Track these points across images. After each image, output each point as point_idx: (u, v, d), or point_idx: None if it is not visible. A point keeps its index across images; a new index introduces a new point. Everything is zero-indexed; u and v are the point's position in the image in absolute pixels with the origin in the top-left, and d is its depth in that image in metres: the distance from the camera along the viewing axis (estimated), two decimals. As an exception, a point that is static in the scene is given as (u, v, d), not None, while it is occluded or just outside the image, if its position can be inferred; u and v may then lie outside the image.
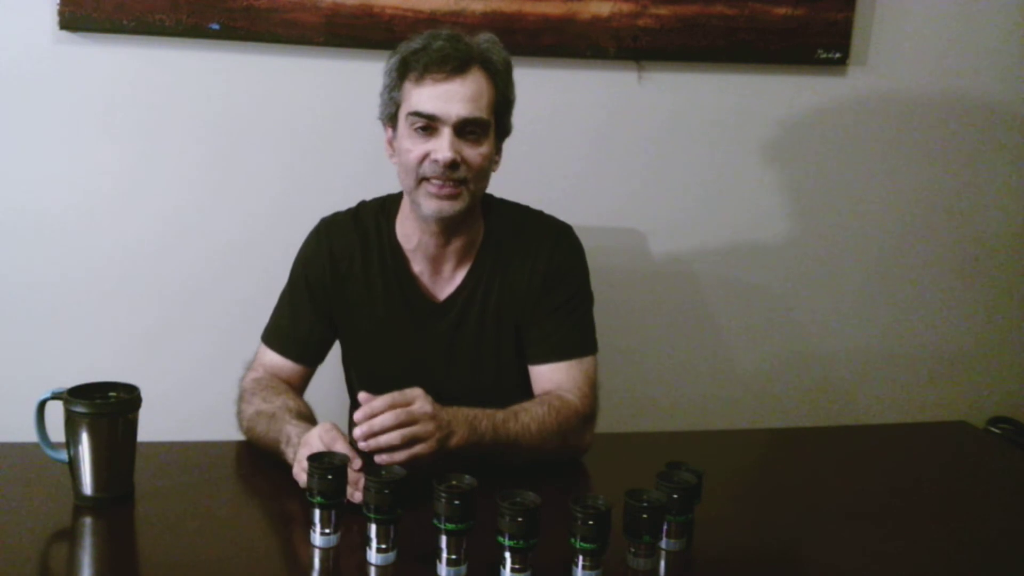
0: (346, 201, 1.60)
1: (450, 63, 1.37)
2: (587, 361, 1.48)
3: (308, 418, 1.38)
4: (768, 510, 1.33)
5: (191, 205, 1.99)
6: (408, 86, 1.40)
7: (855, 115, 2.19)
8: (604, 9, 1.99)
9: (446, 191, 1.38)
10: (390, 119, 1.45)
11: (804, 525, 1.28)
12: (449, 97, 1.37)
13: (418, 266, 1.50)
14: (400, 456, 1.20)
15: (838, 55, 2.10)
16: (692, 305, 2.24)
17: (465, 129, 1.38)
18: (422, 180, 1.39)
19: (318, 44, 1.92)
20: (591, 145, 2.08)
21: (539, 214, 1.57)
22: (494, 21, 1.93)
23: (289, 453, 1.28)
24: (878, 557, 1.18)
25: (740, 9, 2.04)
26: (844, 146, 2.21)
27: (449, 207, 1.40)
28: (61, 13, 1.82)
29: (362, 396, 1.25)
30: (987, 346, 2.38)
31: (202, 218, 2.00)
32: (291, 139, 2.00)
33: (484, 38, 1.43)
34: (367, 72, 1.96)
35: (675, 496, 1.12)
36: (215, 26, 1.87)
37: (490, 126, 1.41)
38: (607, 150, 2.10)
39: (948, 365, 2.37)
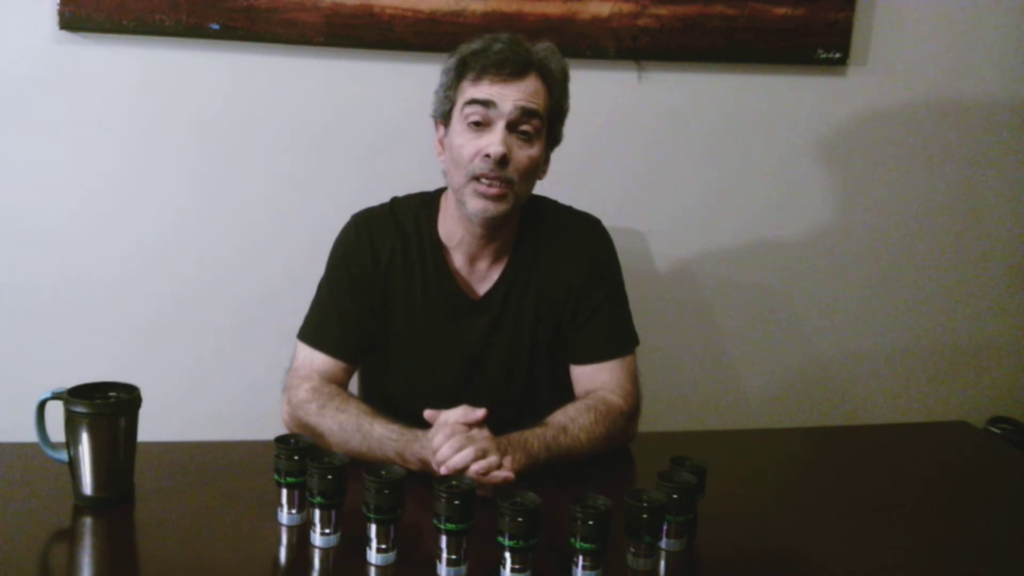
0: (347, 201, 1.59)
1: (508, 66, 1.39)
2: (628, 358, 1.51)
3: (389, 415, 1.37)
4: (768, 510, 1.33)
5: (191, 205, 1.99)
6: (465, 84, 1.42)
7: (855, 115, 2.19)
8: (604, 9, 1.99)
9: (493, 191, 1.39)
10: (443, 117, 1.47)
11: (804, 525, 1.28)
12: (506, 94, 1.38)
13: (457, 262, 1.51)
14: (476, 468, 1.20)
15: (838, 55, 2.10)
16: (692, 305, 2.24)
17: (518, 126, 1.40)
18: (471, 179, 1.40)
19: (318, 44, 1.92)
20: (591, 145, 2.07)
21: (568, 208, 1.59)
22: (494, 21, 1.93)
23: (415, 449, 1.28)
24: (878, 557, 1.18)
25: (740, 9, 2.04)
26: (844, 146, 2.21)
27: (494, 208, 1.41)
28: (61, 13, 1.82)
29: (428, 414, 1.29)
30: (987, 346, 2.38)
31: (202, 218, 2.00)
32: (291, 139, 1.99)
33: (543, 46, 1.44)
34: (367, 72, 1.98)
35: (675, 496, 1.12)
36: (215, 26, 1.87)
37: (543, 127, 1.43)
38: (607, 150, 2.10)
39: (948, 365, 2.37)
